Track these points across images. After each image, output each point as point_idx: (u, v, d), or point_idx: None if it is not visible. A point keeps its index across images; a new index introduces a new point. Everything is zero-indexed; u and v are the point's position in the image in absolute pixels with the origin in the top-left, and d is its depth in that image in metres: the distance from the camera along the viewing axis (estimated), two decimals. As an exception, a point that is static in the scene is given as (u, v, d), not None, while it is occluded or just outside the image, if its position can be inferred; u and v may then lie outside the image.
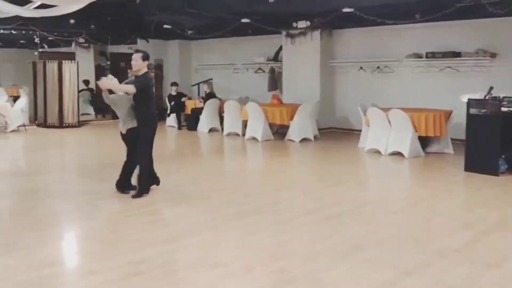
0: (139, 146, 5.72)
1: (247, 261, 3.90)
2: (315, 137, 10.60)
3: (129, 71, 6.22)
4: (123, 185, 5.92)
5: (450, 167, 7.83)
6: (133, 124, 5.66)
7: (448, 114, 8.71)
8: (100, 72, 16.38)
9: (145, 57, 5.76)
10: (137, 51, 5.97)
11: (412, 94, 10.56)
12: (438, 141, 8.88)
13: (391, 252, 4.12)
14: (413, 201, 5.92)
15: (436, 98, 9.92)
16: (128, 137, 5.72)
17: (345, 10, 9.53)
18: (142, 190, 5.79)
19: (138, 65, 5.74)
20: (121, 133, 5.79)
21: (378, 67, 11.33)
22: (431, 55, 10.33)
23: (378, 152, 8.74)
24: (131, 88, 5.56)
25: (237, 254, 4.07)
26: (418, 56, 10.61)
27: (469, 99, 7.29)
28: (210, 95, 12.27)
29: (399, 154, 8.48)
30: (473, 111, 7.23)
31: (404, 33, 10.74)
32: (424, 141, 8.77)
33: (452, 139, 8.92)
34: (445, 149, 8.83)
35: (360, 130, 9.81)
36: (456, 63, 10.10)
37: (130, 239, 4.43)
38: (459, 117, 8.21)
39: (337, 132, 11.85)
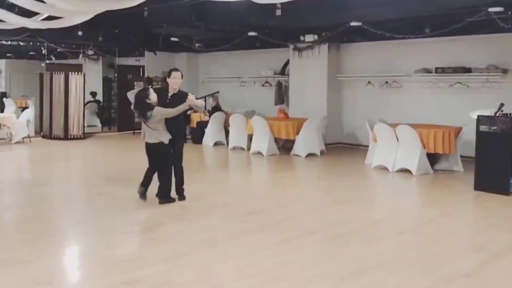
0: (179, 154, 6.11)
1: (246, 283, 3.75)
2: (321, 152, 10.43)
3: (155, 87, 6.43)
4: (145, 192, 6.07)
5: (460, 185, 7.62)
6: (169, 135, 5.90)
7: (457, 131, 8.52)
8: (107, 84, 16.44)
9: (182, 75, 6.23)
10: (176, 69, 6.19)
11: (421, 109, 10.38)
12: (447, 158, 8.68)
13: (397, 276, 3.94)
14: (421, 221, 5.72)
15: (446, 114, 9.74)
16: (168, 148, 5.93)
17: (353, 24, 9.42)
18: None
19: (181, 82, 6.09)
20: (161, 143, 5.86)
21: (387, 82, 11.18)
22: (441, 70, 10.18)
23: (386, 168, 8.55)
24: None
25: (237, 275, 3.91)
26: (428, 71, 10.46)
27: (479, 116, 7.11)
28: (216, 108, 12.18)
29: (407, 171, 8.29)
30: (483, 128, 7.04)
31: (413, 48, 10.60)
32: (433, 158, 8.57)
33: (462, 157, 8.71)
34: (455, 167, 8.63)
35: (367, 146, 9.63)
36: (466, 78, 9.93)
37: (127, 257, 4.30)
38: (469, 134, 8.02)
39: (344, 148, 11.67)
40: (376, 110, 10.93)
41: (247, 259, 4.24)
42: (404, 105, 10.75)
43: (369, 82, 11.44)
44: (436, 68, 10.28)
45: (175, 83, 5.98)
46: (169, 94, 6.00)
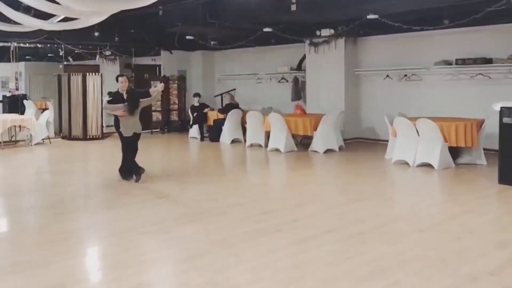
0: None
1: (263, 284, 3.67)
2: (340, 148, 10.29)
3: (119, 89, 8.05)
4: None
5: (483, 179, 7.42)
6: None
7: (480, 123, 8.29)
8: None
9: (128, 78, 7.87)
10: (121, 75, 7.92)
11: (441, 102, 10.15)
12: (470, 151, 8.46)
13: (418, 276, 3.82)
14: (443, 218, 5.56)
15: (467, 107, 9.50)
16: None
17: (370, 17, 9.25)
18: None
19: (126, 84, 7.58)
20: (136, 133, 7.39)
21: (406, 75, 10.96)
22: (461, 62, 9.92)
23: (406, 163, 8.38)
24: None
25: (252, 277, 3.83)
26: (448, 63, 10.21)
27: (502, 108, 6.91)
28: (231, 106, 12.08)
29: (428, 165, 8.10)
30: (506, 120, 6.83)
31: (432, 40, 10.37)
32: (455, 152, 8.36)
33: (485, 150, 8.48)
34: (478, 160, 8.40)
35: (387, 141, 9.45)
36: (488, 69, 9.66)
37: (142, 259, 4.26)
38: (492, 126, 7.79)
39: (363, 143, 11.50)
40: (395, 104, 10.74)
41: (262, 260, 4.16)
42: (424, 98, 10.54)
43: (387, 76, 11.23)
44: (456, 60, 10.03)
45: (122, 86, 7.51)
46: (124, 94, 7.38)
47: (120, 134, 7.43)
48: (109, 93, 8.17)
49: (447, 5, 8.24)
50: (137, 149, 7.51)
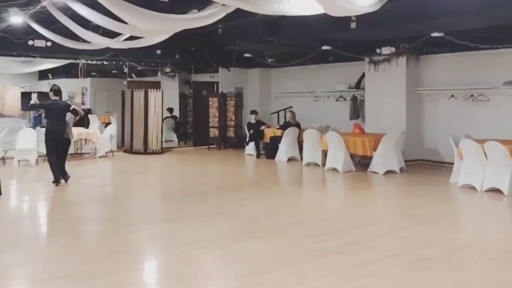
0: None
1: (323, 308, 3.54)
2: (401, 169, 9.94)
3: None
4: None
5: (559, 207, 6.89)
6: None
7: (554, 147, 7.75)
8: (184, 100, 16.92)
9: None
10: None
11: (511, 124, 9.61)
12: (543, 177, 7.90)
13: (492, 309, 3.55)
14: (516, 246, 5.19)
15: (539, 129, 8.94)
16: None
17: (434, 35, 8.96)
18: None
19: None
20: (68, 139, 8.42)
21: (472, 95, 10.48)
22: (533, 82, 9.39)
23: (473, 188, 7.94)
24: None
25: (312, 299, 3.71)
26: (518, 83, 9.69)
27: None
28: (290, 125, 11.98)
29: (497, 191, 7.64)
30: None
31: (501, 58, 9.89)
32: (527, 177, 7.84)
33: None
34: (552, 186, 7.83)
35: (451, 163, 9.03)
36: None
37: (200, 274, 4.25)
38: None
39: (425, 165, 11.06)
40: (460, 125, 10.28)
41: (322, 282, 4.03)
42: (492, 120, 10.02)
43: (452, 96, 10.79)
44: (528, 80, 9.51)
45: None
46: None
47: (68, 140, 8.44)
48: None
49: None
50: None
